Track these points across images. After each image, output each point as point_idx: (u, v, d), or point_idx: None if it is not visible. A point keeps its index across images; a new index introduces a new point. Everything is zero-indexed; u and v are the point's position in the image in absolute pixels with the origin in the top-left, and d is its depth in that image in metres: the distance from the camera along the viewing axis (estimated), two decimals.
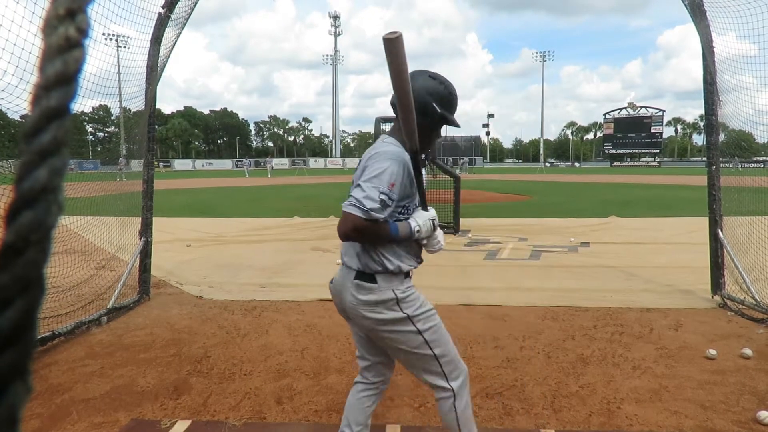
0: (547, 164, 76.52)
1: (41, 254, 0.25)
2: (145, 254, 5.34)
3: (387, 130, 2.21)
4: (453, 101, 2.08)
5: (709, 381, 3.36)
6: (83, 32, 0.28)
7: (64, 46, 0.27)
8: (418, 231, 2.01)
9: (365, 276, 2.03)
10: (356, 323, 2.13)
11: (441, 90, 2.03)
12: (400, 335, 2.05)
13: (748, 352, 3.74)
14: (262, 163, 64.24)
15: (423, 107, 1.96)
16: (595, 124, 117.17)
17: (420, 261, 2.20)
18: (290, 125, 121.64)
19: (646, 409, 3.01)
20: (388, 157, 1.94)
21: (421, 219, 2.04)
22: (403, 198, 1.99)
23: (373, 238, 1.95)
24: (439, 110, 2.02)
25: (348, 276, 2.07)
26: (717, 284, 5.17)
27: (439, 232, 2.14)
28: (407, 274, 2.10)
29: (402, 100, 1.80)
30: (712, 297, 5.18)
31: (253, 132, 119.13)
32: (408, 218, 2.05)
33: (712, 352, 3.75)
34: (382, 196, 1.86)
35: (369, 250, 2.02)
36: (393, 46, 1.66)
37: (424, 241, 2.10)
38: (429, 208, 2.11)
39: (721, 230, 5.15)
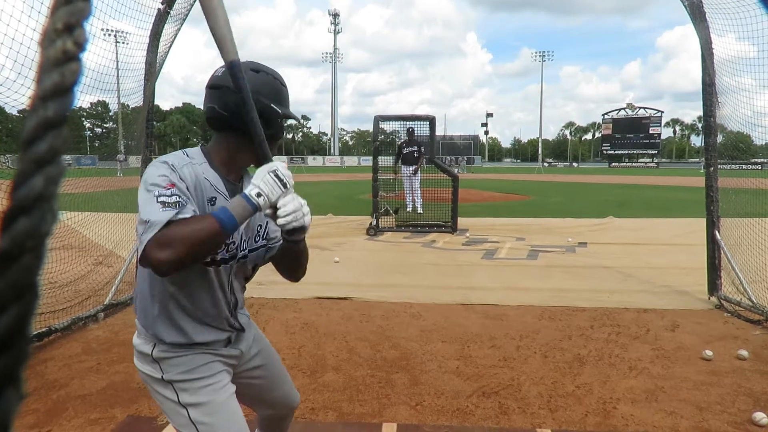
0: (545, 164, 76.55)
1: (36, 261, 0.26)
2: None
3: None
4: (285, 91, 1.61)
5: (705, 382, 3.37)
6: (80, 46, 0.28)
7: (62, 59, 0.28)
8: (259, 195, 1.35)
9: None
10: None
11: (274, 84, 1.57)
12: (163, 402, 1.57)
13: (744, 353, 3.75)
14: None
15: (265, 116, 1.49)
16: (593, 125, 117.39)
17: (231, 328, 1.63)
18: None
19: (642, 410, 3.02)
20: (149, 171, 1.44)
21: (258, 177, 1.39)
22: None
23: (201, 244, 1.32)
24: (280, 111, 1.55)
25: None
26: (714, 285, 5.18)
27: (291, 196, 1.41)
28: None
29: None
30: (709, 298, 5.19)
31: None
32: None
33: (709, 353, 3.76)
34: (163, 198, 1.34)
35: (145, 302, 1.56)
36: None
37: (268, 212, 1.41)
38: (273, 158, 1.47)
39: (719, 232, 5.16)
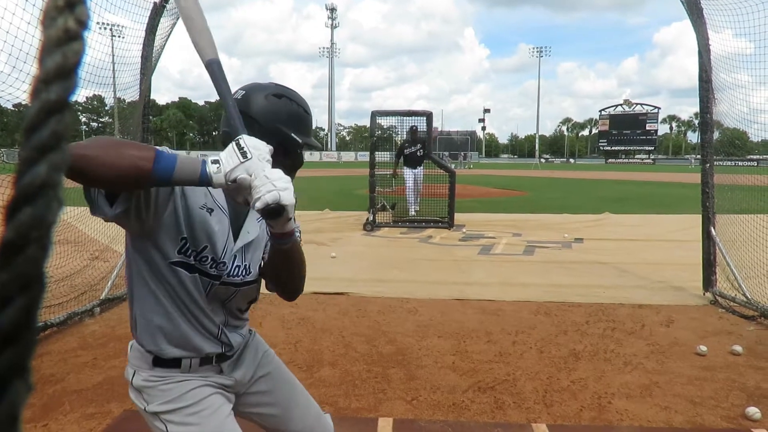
0: (542, 160, 76.61)
1: (41, 251, 0.25)
2: None
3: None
4: (308, 119, 1.50)
5: (699, 377, 3.40)
6: (83, 24, 0.28)
7: (64, 38, 0.27)
8: (215, 162, 1.13)
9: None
10: None
11: (297, 111, 1.46)
12: None
13: (738, 348, 3.78)
14: None
15: (280, 142, 1.34)
16: (590, 121, 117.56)
17: (222, 346, 1.49)
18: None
19: (637, 405, 3.04)
20: None
21: (224, 153, 1.16)
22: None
23: (120, 160, 1.07)
24: (300, 140, 1.43)
25: None
26: (709, 281, 5.21)
27: (259, 166, 1.13)
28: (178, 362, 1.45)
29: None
30: (704, 294, 5.22)
31: None
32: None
33: (703, 348, 3.78)
34: None
35: (133, 306, 1.49)
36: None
37: (233, 186, 1.15)
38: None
39: (714, 228, 5.18)
